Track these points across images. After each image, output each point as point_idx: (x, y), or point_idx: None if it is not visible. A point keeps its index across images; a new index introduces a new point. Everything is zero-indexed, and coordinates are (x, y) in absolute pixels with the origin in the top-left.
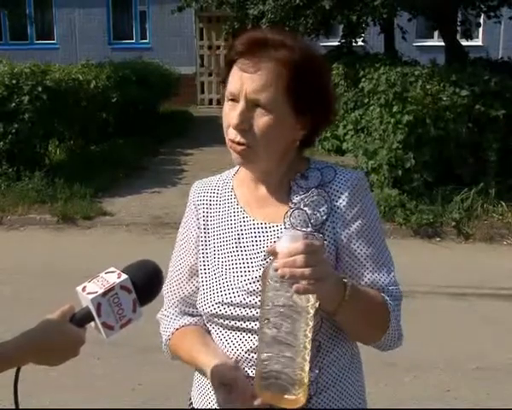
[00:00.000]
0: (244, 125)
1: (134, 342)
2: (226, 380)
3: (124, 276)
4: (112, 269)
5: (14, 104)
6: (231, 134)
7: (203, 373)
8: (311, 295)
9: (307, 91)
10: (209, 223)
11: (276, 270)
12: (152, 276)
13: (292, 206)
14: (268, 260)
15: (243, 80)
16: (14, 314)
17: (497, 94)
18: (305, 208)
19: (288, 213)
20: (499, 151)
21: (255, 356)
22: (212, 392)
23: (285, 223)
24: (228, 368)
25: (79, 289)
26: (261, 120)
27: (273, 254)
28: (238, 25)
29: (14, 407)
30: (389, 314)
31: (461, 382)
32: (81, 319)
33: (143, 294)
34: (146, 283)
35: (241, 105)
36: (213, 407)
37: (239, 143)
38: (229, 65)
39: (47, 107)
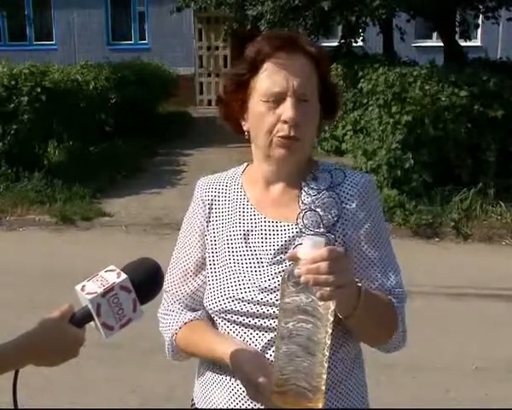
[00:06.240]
0: (298, 119)
1: (133, 344)
2: (254, 380)
3: (123, 276)
4: (111, 267)
5: (13, 105)
6: (285, 130)
7: (218, 364)
8: (331, 302)
9: (326, 85)
10: (217, 218)
11: (299, 276)
12: (152, 274)
13: (303, 207)
14: (278, 258)
15: (288, 77)
16: (13, 315)
17: (496, 94)
18: (318, 209)
19: (301, 214)
20: (498, 151)
21: (265, 353)
22: (215, 392)
23: (298, 223)
24: (254, 365)
25: (78, 288)
26: (308, 113)
27: (294, 259)
28: (237, 25)
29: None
30: (396, 317)
31: (460, 382)
32: (81, 319)
33: (143, 292)
34: (146, 281)
35: (291, 100)
36: (217, 407)
37: (291, 138)
38: (255, 68)
39: (46, 108)
